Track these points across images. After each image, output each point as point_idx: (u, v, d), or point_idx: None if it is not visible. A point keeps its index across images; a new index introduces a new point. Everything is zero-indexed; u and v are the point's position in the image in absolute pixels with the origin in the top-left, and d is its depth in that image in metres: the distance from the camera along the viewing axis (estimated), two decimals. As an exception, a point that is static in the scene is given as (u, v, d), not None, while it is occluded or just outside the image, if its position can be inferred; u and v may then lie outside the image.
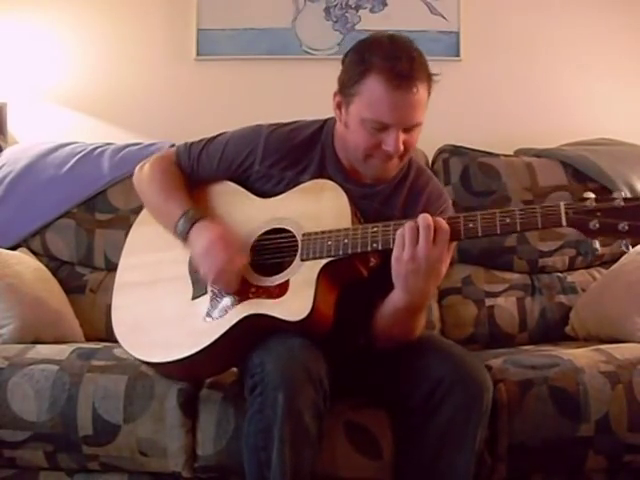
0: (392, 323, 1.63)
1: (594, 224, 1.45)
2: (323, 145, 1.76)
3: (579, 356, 1.87)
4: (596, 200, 1.46)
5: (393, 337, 1.67)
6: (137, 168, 1.90)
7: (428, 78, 1.64)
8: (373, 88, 1.59)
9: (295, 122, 1.81)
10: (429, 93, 1.66)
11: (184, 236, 1.72)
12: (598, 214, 1.45)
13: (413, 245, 1.50)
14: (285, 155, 1.76)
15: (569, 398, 1.77)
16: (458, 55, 2.72)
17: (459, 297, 2.38)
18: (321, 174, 1.73)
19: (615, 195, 1.45)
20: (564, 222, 1.47)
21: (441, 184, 1.90)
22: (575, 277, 2.42)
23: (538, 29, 2.74)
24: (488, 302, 2.36)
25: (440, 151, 2.53)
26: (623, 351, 1.88)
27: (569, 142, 2.59)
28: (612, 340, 2.05)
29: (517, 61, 2.74)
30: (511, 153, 2.57)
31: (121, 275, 1.85)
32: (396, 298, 1.58)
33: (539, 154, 2.52)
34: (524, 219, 1.49)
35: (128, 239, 1.89)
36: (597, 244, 1.48)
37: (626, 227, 1.43)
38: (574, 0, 2.75)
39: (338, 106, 1.69)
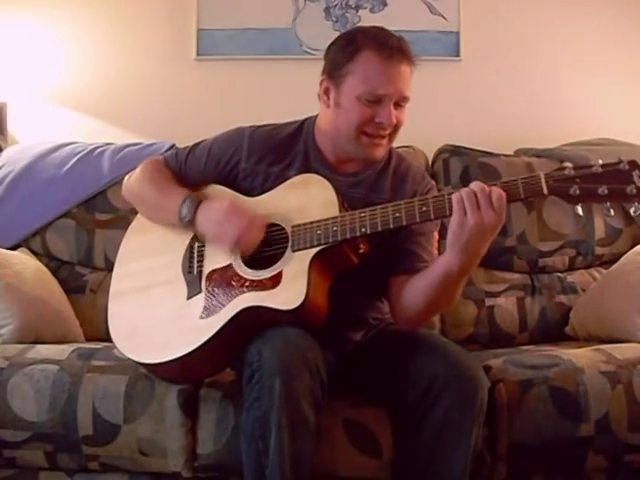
0: (440, 291, 1.63)
1: (574, 190, 1.48)
2: (305, 141, 1.81)
3: (579, 356, 1.87)
4: (574, 168, 1.50)
5: (435, 309, 1.72)
6: (126, 178, 1.94)
7: (413, 60, 1.72)
8: (367, 62, 1.67)
9: (273, 124, 1.87)
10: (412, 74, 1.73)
11: (190, 218, 1.74)
12: (577, 180, 1.49)
13: (476, 211, 1.51)
14: (270, 151, 1.80)
15: (569, 398, 1.77)
16: (458, 55, 2.72)
17: (459, 297, 2.37)
18: (306, 168, 1.77)
19: (592, 162, 1.50)
20: (545, 190, 1.50)
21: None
22: (575, 277, 2.42)
23: (538, 29, 2.74)
24: (488, 302, 2.37)
25: (440, 151, 2.53)
26: (623, 351, 1.88)
27: (569, 142, 2.60)
28: (612, 340, 2.05)
29: (517, 61, 2.74)
30: (511, 153, 2.57)
31: (115, 284, 1.86)
32: (448, 262, 1.57)
33: (539, 154, 2.52)
34: (507, 190, 1.52)
35: (120, 249, 1.91)
36: (579, 210, 1.51)
37: (606, 191, 1.47)
38: (574, 0, 2.75)
39: (325, 91, 1.74)
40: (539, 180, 1.50)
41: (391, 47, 1.67)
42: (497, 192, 1.51)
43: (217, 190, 1.83)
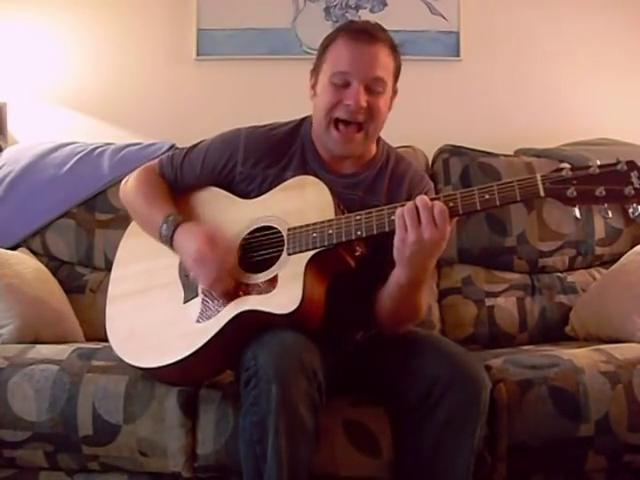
0: (397, 303, 1.65)
1: (571, 192, 1.47)
2: (302, 141, 1.81)
3: (579, 356, 1.87)
4: (571, 169, 1.49)
5: (401, 318, 1.69)
6: (123, 182, 1.94)
7: (391, 46, 1.72)
8: (336, 47, 1.71)
9: (272, 123, 1.86)
10: (396, 63, 1.73)
11: (168, 240, 1.74)
12: (574, 182, 1.47)
13: (416, 227, 1.52)
14: (266, 154, 1.79)
15: (569, 398, 1.77)
16: (458, 55, 2.72)
17: (459, 297, 2.38)
18: (304, 168, 1.77)
19: (590, 163, 1.48)
20: (542, 192, 1.49)
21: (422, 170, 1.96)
22: (575, 277, 2.42)
23: (538, 29, 2.74)
24: (488, 302, 2.36)
25: (440, 151, 2.53)
26: (623, 351, 1.88)
27: (569, 142, 2.60)
28: (612, 340, 2.05)
29: (517, 61, 2.74)
30: (511, 153, 2.57)
31: (113, 287, 1.87)
32: (398, 276, 1.60)
33: (539, 154, 2.52)
34: (503, 193, 1.51)
35: (118, 252, 1.91)
36: (577, 212, 1.50)
37: (603, 192, 1.45)
38: (574, 0, 2.75)
39: (312, 86, 1.77)
40: (535, 182, 1.49)
41: (358, 30, 1.70)
42: (439, 207, 1.51)
43: (213, 193, 1.83)
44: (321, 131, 1.74)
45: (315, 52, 1.79)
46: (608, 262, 2.40)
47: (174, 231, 1.73)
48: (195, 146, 1.88)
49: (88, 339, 2.19)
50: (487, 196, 1.52)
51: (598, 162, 1.48)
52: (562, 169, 1.49)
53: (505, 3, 2.76)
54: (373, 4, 2.72)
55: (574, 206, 1.49)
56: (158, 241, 1.78)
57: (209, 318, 1.66)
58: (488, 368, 1.84)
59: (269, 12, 2.71)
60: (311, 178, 1.72)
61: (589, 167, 1.48)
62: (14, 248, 2.37)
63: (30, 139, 2.66)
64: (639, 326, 2.03)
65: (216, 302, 1.67)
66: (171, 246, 1.74)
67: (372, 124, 1.71)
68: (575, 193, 1.47)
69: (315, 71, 1.76)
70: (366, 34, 1.69)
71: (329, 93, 1.70)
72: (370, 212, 1.61)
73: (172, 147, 2.45)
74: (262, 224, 1.72)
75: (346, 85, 1.68)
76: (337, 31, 1.74)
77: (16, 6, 2.70)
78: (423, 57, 2.65)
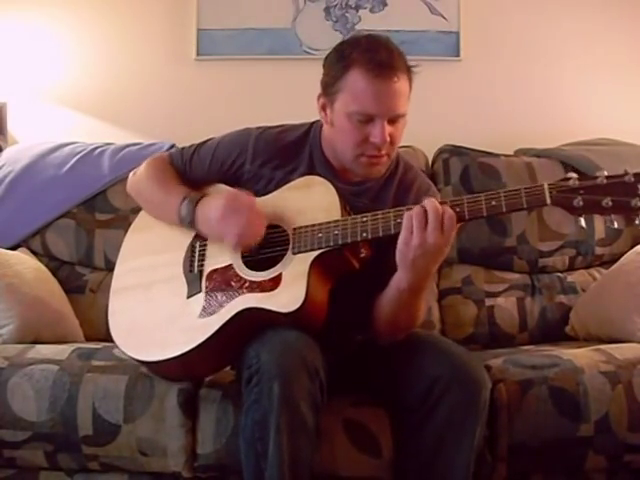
0: (397, 308, 1.64)
1: (578, 202, 1.48)
2: (311, 146, 1.80)
3: (579, 356, 1.87)
4: (579, 179, 1.49)
5: (399, 325, 1.68)
6: (130, 174, 1.94)
7: (408, 70, 1.67)
8: (355, 81, 1.64)
9: (282, 125, 1.85)
10: (410, 86, 1.68)
11: (190, 218, 1.74)
12: (581, 192, 1.48)
13: (422, 230, 1.52)
14: (275, 155, 1.79)
15: (569, 398, 1.77)
16: (458, 55, 2.72)
17: (459, 297, 2.38)
18: (311, 174, 1.76)
19: (597, 174, 1.49)
20: (548, 201, 1.49)
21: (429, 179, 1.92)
22: (575, 277, 2.42)
23: (538, 29, 2.74)
24: (488, 302, 2.36)
25: (440, 151, 2.53)
26: (623, 351, 1.88)
27: (569, 142, 2.59)
28: (612, 340, 2.05)
29: (517, 61, 2.74)
30: (511, 153, 2.57)
31: (116, 281, 1.86)
32: (399, 280, 1.60)
33: (539, 154, 2.52)
34: (509, 200, 1.51)
35: (122, 247, 1.91)
36: (582, 221, 1.50)
37: (610, 203, 1.46)
38: (574, 0, 2.75)
39: (323, 108, 1.73)
40: (542, 190, 1.49)
41: (380, 64, 1.61)
42: (449, 213, 1.51)
43: (220, 189, 1.82)
44: (345, 161, 1.72)
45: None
46: (608, 262, 2.40)
47: (195, 206, 1.74)
48: (205, 142, 1.89)
49: (88, 339, 2.19)
50: (494, 202, 1.52)
51: (605, 173, 1.48)
52: (569, 178, 1.49)
53: (505, 3, 2.75)
54: (373, 4, 2.71)
55: (580, 215, 1.49)
56: (175, 223, 1.78)
57: (212, 314, 1.66)
58: (488, 368, 1.84)
59: (269, 12, 2.71)
60: (318, 178, 1.72)
61: (596, 177, 1.48)
62: (14, 248, 2.37)
63: (30, 139, 2.66)
64: (639, 326, 2.03)
65: (219, 298, 1.67)
66: (192, 222, 1.74)
67: (393, 149, 1.71)
68: (581, 203, 1.47)
69: (328, 96, 1.69)
70: (388, 68, 1.61)
71: (353, 131, 1.65)
72: (376, 214, 1.61)
73: (172, 147, 2.45)
74: (268, 222, 1.72)
75: (369, 120, 1.64)
76: (353, 57, 1.64)
77: (16, 6, 2.70)
78: (423, 57, 2.64)
